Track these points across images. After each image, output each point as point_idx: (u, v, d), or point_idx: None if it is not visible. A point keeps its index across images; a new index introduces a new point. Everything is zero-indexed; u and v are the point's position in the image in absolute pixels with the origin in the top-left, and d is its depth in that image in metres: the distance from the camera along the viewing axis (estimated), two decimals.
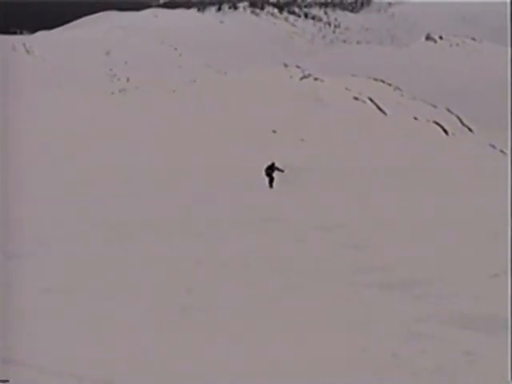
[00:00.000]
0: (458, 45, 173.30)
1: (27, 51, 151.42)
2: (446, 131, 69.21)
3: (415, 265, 10.05)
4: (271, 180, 28.04)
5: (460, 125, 75.79)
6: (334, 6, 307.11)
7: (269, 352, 6.64)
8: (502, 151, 51.90)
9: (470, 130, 74.13)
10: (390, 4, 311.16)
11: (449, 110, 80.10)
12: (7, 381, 5.97)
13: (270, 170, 28.09)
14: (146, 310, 8.12)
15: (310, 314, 7.84)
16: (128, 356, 6.56)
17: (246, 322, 7.63)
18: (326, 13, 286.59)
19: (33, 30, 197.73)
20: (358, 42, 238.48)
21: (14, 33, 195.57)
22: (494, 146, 57.75)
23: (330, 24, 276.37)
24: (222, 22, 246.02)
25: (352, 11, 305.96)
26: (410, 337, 6.83)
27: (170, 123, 55.40)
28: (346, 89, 79.20)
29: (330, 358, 6.46)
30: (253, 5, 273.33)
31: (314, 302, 8.37)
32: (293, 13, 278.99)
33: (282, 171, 28.31)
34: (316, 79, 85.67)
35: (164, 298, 8.68)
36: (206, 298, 8.67)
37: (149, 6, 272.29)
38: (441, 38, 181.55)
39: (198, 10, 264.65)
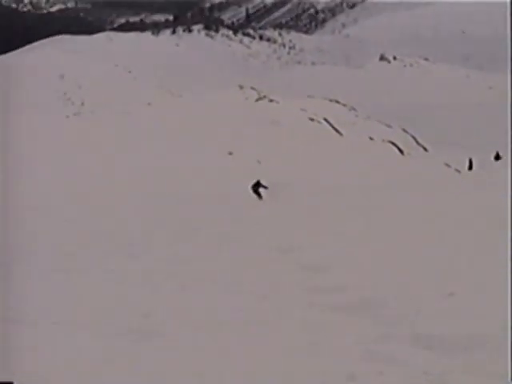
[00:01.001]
0: (411, 65, 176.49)
1: None
2: (401, 151, 69.93)
3: (374, 285, 10.03)
4: (259, 195, 31.81)
5: (415, 144, 76.63)
6: (289, 27, 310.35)
7: (227, 376, 6.53)
8: (456, 170, 52.50)
9: (425, 149, 74.94)
10: (343, 25, 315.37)
11: (404, 130, 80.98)
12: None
13: (257, 186, 32.10)
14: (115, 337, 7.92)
15: (267, 337, 7.75)
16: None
17: (195, 349, 7.50)
18: (280, 34, 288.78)
19: None
20: (313, 63, 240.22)
21: None
22: (448, 165, 58.41)
23: (284, 45, 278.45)
24: (176, 45, 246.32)
25: (306, 33, 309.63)
26: (368, 358, 6.77)
27: (125, 146, 55.14)
28: (302, 110, 79.68)
29: (287, 381, 6.37)
30: (207, 27, 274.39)
31: (269, 326, 8.28)
32: (247, 35, 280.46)
33: (266, 188, 32.20)
34: (271, 101, 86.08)
35: (124, 327, 8.48)
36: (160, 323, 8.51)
37: (103, 30, 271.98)
38: (394, 58, 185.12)
39: (153, 33, 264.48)
